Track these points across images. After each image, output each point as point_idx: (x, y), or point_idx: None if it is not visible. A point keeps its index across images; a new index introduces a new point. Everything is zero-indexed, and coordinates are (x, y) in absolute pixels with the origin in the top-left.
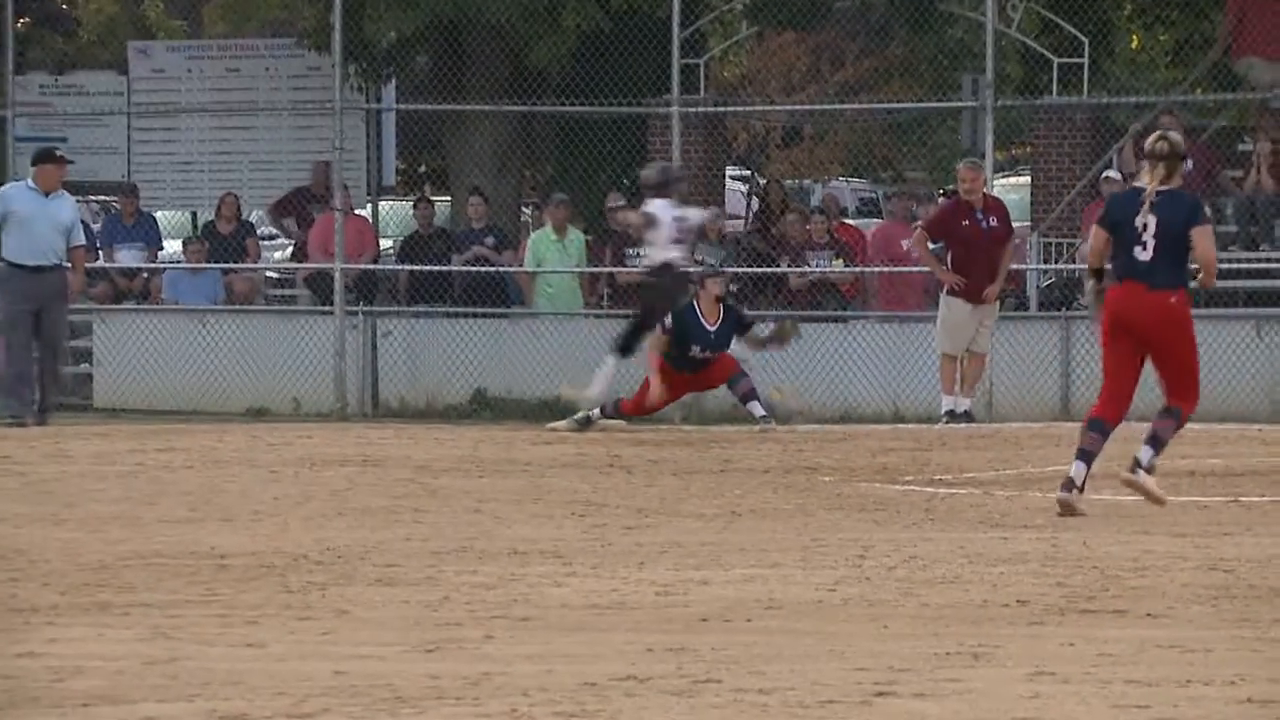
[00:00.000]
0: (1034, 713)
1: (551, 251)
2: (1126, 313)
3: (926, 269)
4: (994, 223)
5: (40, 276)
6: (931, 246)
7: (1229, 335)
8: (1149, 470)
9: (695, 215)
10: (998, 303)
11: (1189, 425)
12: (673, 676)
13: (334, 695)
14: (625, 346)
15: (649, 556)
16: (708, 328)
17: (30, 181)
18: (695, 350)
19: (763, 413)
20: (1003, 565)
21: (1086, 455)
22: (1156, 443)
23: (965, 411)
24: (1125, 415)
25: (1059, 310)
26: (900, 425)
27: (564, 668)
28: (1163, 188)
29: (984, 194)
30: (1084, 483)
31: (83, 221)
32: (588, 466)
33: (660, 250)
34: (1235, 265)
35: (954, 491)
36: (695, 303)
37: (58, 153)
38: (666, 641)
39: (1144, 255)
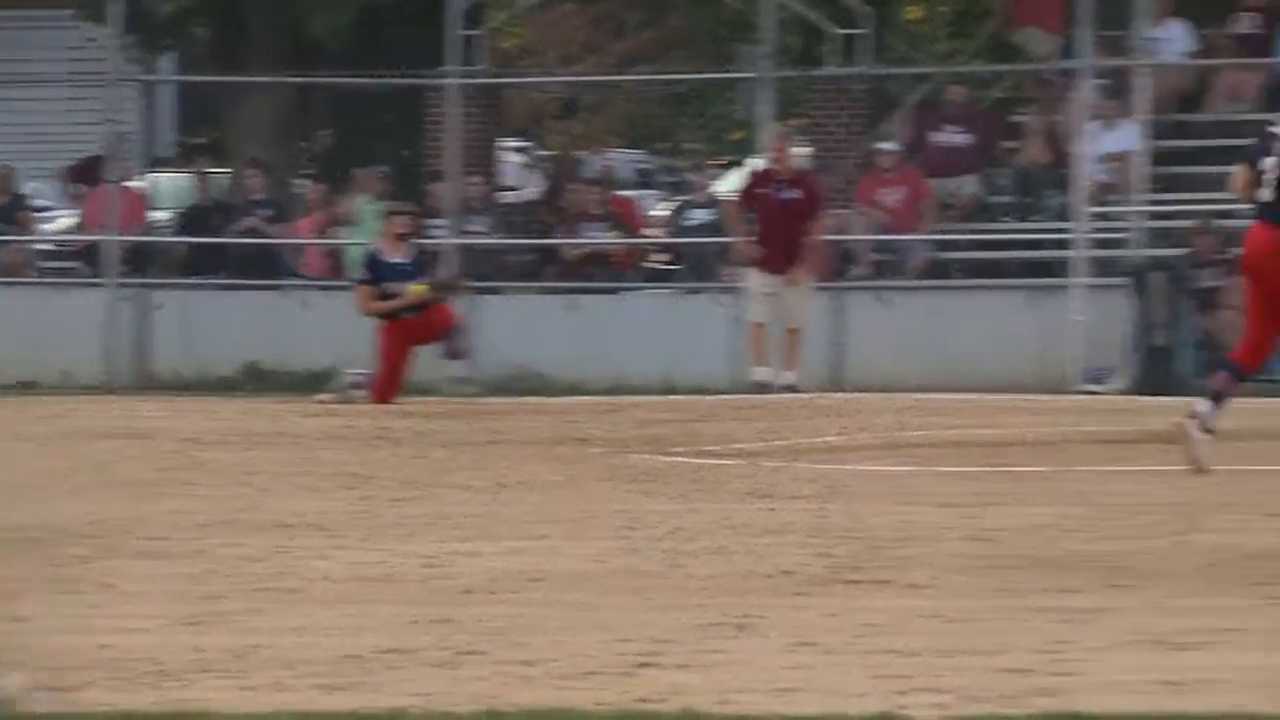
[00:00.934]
0: (796, 683)
1: (370, 221)
2: (1245, 251)
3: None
4: (792, 194)
5: None
6: None
7: (999, 306)
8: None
9: None
10: (807, 277)
11: (956, 395)
12: (436, 648)
13: (98, 669)
14: None
15: (416, 529)
16: (393, 261)
17: None
18: (389, 286)
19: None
20: (768, 536)
21: (1215, 395)
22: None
23: (789, 385)
24: (1259, 364)
25: (833, 281)
26: (671, 397)
27: (328, 640)
28: None
29: (791, 166)
30: (1208, 421)
31: None
32: (356, 439)
33: None
34: (1008, 236)
35: (722, 463)
36: (379, 243)
37: None
38: (431, 614)
39: (1267, 195)
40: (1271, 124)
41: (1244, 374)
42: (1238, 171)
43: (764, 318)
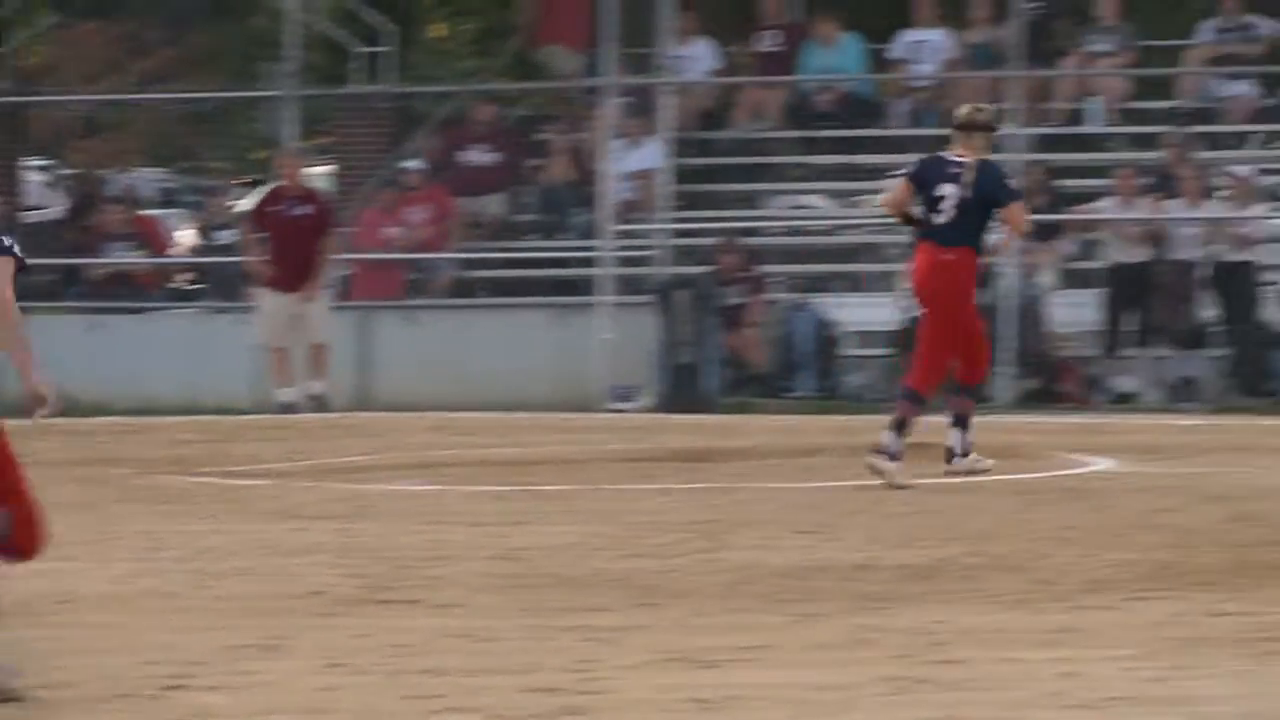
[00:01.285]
0: (326, 704)
1: None
2: (913, 277)
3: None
4: (304, 210)
5: None
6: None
7: (525, 324)
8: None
9: None
10: (322, 293)
11: (483, 414)
12: None
13: None
14: None
15: None
16: None
17: None
18: None
19: None
20: (298, 557)
21: (898, 425)
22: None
23: (317, 395)
24: (934, 388)
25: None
26: (197, 417)
27: None
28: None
29: (301, 183)
30: (892, 448)
31: None
32: None
33: None
34: (533, 255)
35: (250, 483)
36: None
37: None
38: None
39: (940, 220)
40: (944, 150)
41: (922, 399)
42: (898, 186)
43: (280, 339)
